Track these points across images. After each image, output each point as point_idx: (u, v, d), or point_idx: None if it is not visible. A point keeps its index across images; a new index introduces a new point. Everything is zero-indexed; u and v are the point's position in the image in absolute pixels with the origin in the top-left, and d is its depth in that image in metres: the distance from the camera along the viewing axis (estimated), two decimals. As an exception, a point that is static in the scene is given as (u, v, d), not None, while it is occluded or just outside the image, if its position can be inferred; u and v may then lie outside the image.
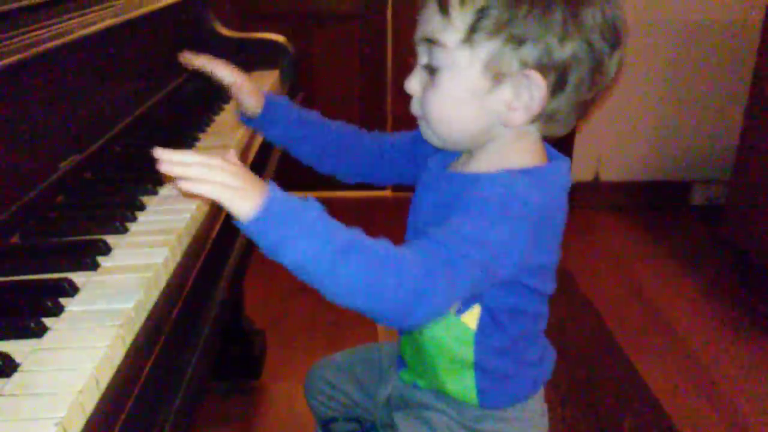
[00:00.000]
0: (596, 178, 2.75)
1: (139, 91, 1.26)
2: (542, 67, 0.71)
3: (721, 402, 1.66)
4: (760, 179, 2.08)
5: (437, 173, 0.85)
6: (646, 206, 2.76)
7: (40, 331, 0.63)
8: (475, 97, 0.75)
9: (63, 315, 0.66)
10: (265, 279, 1.98)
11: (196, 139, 1.16)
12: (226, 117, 1.30)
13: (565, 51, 0.71)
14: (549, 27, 0.70)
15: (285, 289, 2.09)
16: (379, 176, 0.99)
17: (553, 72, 0.72)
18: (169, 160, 0.61)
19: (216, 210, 0.94)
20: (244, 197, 0.62)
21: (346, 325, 1.93)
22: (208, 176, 0.62)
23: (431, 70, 0.76)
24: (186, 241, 0.83)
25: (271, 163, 1.33)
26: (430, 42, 0.74)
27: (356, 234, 0.66)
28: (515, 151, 0.79)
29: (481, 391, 0.85)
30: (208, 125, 1.24)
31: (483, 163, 0.80)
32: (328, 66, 2.80)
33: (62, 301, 0.67)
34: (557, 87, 0.73)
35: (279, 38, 1.68)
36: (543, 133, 0.79)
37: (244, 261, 1.05)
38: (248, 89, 0.95)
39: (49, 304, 0.66)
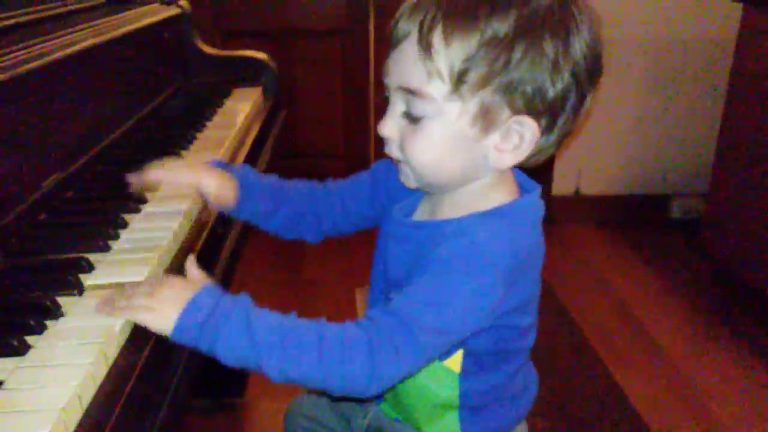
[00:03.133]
0: (577, 192, 2.78)
1: (121, 109, 1.27)
2: (534, 111, 0.69)
3: (701, 412, 1.68)
4: (735, 192, 2.11)
5: (403, 223, 0.81)
6: (626, 219, 2.79)
7: (23, 349, 0.63)
8: (463, 145, 0.71)
9: (46, 333, 0.66)
10: (250, 295, 1.97)
11: (180, 156, 1.17)
12: (210, 133, 1.31)
13: (556, 88, 0.68)
14: (542, 66, 0.66)
15: (269, 305, 2.08)
16: (342, 228, 0.92)
17: (545, 114, 0.69)
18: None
19: (198, 228, 0.95)
20: (160, 316, 0.67)
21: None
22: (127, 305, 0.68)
23: (412, 119, 0.71)
24: (168, 258, 0.84)
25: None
26: (412, 93, 0.70)
27: (283, 325, 0.72)
28: (494, 190, 0.76)
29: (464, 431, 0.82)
30: (191, 142, 1.24)
31: (454, 207, 0.76)
32: (310, 82, 2.81)
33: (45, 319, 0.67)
34: (548, 128, 0.71)
35: (261, 55, 1.70)
36: (521, 164, 0.75)
37: (227, 278, 1.05)
38: (216, 187, 0.84)
39: (32, 322, 0.66)
